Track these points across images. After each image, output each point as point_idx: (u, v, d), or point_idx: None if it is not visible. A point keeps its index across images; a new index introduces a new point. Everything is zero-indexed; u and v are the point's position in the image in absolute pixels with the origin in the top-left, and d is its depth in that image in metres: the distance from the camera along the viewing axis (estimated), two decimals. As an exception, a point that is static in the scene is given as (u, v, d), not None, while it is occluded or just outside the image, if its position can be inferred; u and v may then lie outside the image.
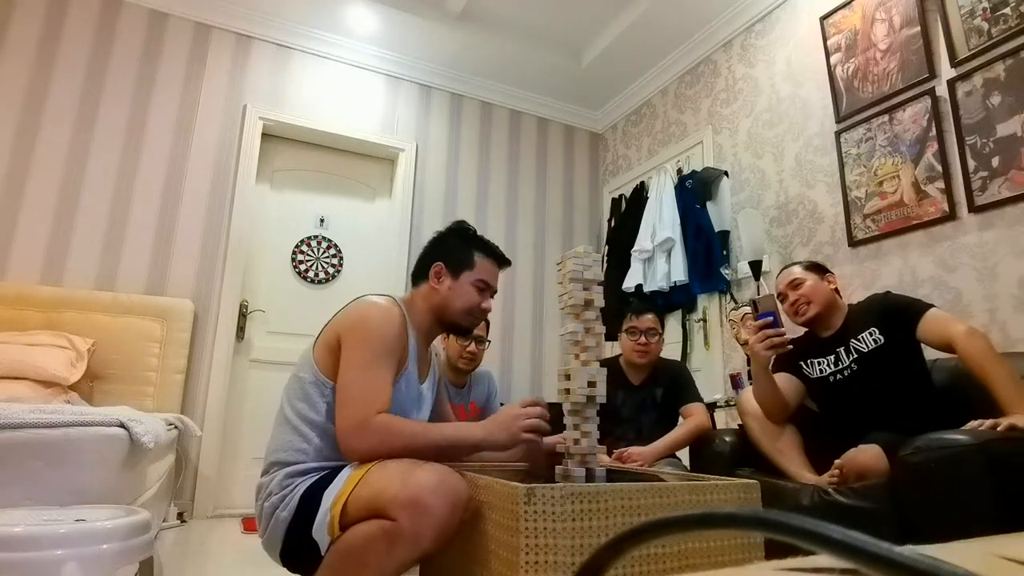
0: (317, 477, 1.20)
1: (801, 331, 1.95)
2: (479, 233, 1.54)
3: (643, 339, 2.18)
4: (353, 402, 1.19)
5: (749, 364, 2.25)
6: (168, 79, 3.21)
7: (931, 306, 1.70)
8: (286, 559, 1.22)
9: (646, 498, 1.01)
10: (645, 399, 2.22)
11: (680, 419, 2.19)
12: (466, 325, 1.48)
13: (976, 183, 2.14)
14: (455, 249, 1.48)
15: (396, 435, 1.18)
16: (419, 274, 1.50)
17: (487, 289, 1.47)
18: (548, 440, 1.38)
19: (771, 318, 1.77)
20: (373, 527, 1.04)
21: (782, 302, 1.93)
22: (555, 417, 1.25)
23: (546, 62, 3.83)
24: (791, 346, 1.79)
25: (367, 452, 1.16)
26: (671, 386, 2.22)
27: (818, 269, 1.92)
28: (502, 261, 1.51)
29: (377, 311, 1.32)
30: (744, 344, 2.41)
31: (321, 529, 1.11)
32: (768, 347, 1.75)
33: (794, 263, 1.98)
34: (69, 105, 2.98)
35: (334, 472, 1.19)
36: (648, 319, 2.21)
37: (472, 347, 2.31)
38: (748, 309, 2.11)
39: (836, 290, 1.90)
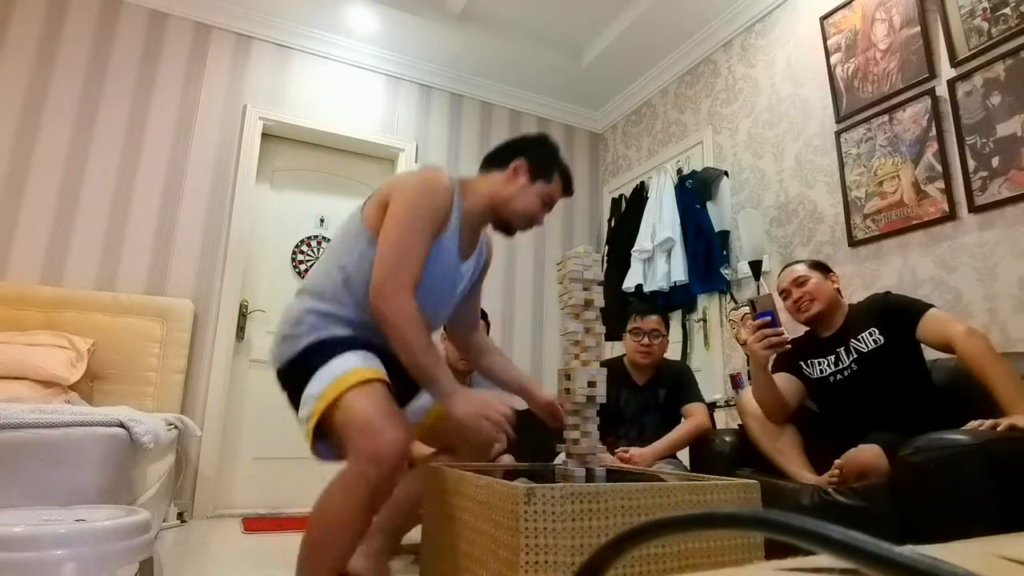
0: (323, 337, 1.34)
1: (801, 330, 1.96)
2: None
3: (646, 340, 2.18)
4: (390, 261, 1.29)
5: (749, 364, 2.26)
6: (168, 79, 3.21)
7: (931, 306, 1.70)
8: (280, 377, 1.40)
9: (646, 498, 1.01)
10: (648, 399, 2.22)
11: (682, 419, 2.19)
12: (518, 228, 1.52)
13: (976, 183, 2.14)
14: (542, 157, 1.51)
15: (411, 332, 1.27)
16: (494, 161, 1.53)
17: (549, 206, 1.54)
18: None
19: (769, 318, 1.77)
20: (333, 500, 1.18)
21: (785, 299, 1.92)
22: (523, 424, 1.30)
23: (546, 62, 3.83)
24: (789, 345, 1.79)
25: (385, 316, 1.28)
26: (673, 386, 2.22)
27: (822, 268, 1.92)
28: (570, 191, 1.57)
29: (426, 179, 1.38)
30: (744, 344, 2.41)
31: (305, 410, 1.26)
32: (766, 347, 1.75)
33: (797, 261, 1.98)
34: (69, 105, 2.98)
35: (335, 345, 1.31)
36: (652, 320, 2.21)
37: None
38: (748, 309, 2.11)
39: (838, 290, 1.90)
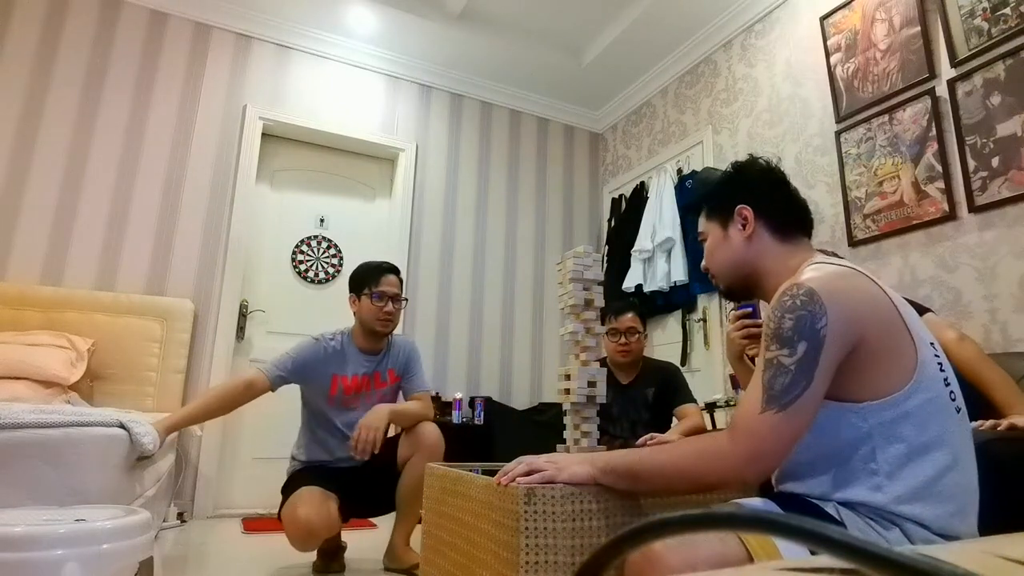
0: None
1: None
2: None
3: (623, 339, 2.21)
4: None
5: (725, 353, 2.25)
6: (168, 79, 3.21)
7: (928, 310, 1.70)
8: None
9: (646, 498, 1.01)
10: (636, 398, 2.24)
11: (674, 420, 2.20)
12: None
13: (976, 183, 2.14)
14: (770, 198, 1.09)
15: None
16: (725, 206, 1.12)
17: None
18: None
19: (751, 309, 1.78)
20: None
21: None
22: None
23: (546, 62, 3.82)
24: None
25: None
26: (664, 387, 2.23)
27: None
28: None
29: None
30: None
31: None
32: (744, 336, 1.75)
33: None
34: (69, 105, 2.98)
35: None
36: (627, 319, 2.23)
37: (390, 307, 2.08)
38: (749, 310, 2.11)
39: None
